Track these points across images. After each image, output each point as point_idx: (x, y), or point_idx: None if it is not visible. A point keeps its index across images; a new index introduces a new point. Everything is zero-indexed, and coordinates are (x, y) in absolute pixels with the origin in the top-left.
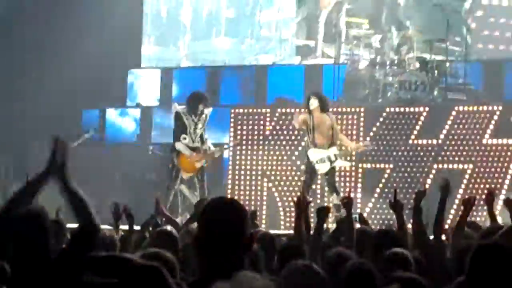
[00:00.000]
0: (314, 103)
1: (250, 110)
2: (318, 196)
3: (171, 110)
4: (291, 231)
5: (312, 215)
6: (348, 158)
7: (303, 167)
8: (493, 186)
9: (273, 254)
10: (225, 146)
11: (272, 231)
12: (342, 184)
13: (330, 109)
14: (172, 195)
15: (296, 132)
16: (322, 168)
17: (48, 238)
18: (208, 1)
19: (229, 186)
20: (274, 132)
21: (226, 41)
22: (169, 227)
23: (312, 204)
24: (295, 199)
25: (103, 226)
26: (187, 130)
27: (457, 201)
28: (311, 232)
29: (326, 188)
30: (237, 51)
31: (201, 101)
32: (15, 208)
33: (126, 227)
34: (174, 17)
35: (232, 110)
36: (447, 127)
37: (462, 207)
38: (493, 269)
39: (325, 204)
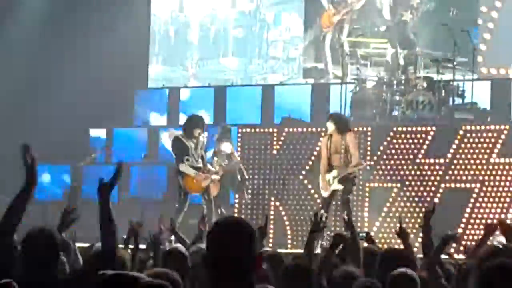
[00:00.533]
0: (330, 126)
1: (257, 130)
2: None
3: (169, 136)
4: (298, 250)
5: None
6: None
7: (310, 186)
8: (500, 205)
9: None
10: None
11: (279, 250)
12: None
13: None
14: (181, 217)
15: (303, 152)
16: (323, 193)
17: (58, 257)
18: (216, 21)
19: (236, 206)
20: (282, 152)
21: (233, 60)
22: (179, 246)
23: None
24: (311, 215)
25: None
26: (189, 151)
27: (464, 220)
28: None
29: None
30: (245, 70)
31: (196, 126)
32: (10, 224)
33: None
34: (182, 36)
35: (239, 130)
36: (454, 146)
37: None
38: None
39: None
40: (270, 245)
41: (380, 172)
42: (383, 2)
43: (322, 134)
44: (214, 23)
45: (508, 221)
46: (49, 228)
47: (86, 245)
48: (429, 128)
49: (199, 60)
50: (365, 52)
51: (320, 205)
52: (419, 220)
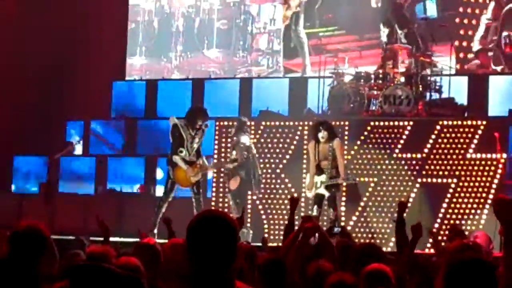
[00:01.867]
0: (324, 135)
1: (235, 123)
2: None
3: (170, 122)
4: (275, 244)
5: None
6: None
7: (287, 180)
8: (476, 200)
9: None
10: (215, 162)
11: (256, 244)
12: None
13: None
14: (164, 207)
15: (280, 145)
16: (308, 194)
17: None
18: (200, 12)
19: (214, 199)
20: (259, 145)
21: (218, 52)
22: (152, 241)
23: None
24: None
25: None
26: (184, 143)
27: (441, 215)
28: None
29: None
30: (229, 62)
31: (200, 116)
32: None
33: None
34: (166, 28)
35: (217, 123)
36: (431, 141)
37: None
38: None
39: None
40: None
41: (357, 166)
42: None
43: (300, 128)
44: (198, 14)
45: (484, 216)
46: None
47: (63, 237)
48: (406, 123)
49: (182, 51)
50: (342, 46)
51: (314, 203)
52: (395, 215)
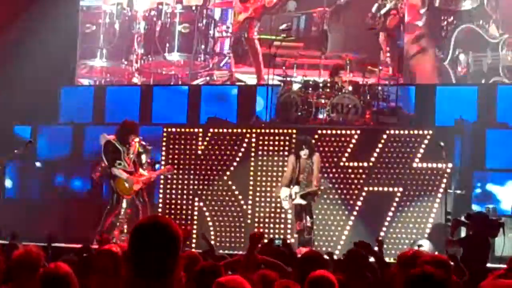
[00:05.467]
0: (306, 153)
1: (183, 130)
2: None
3: (100, 140)
4: (221, 251)
5: None
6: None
7: (234, 187)
8: (422, 209)
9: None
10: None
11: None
12: (273, 205)
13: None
14: (111, 218)
15: (228, 152)
16: (285, 205)
17: None
18: (162, 15)
19: (160, 205)
20: (206, 152)
21: (179, 56)
22: (114, 248)
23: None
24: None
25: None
26: (121, 156)
27: (386, 223)
28: None
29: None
30: (190, 66)
31: (131, 132)
32: None
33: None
34: (127, 31)
35: (165, 129)
36: (378, 150)
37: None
38: None
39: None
40: (193, 245)
41: None
42: None
43: (248, 135)
44: (159, 17)
45: (429, 225)
46: None
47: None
48: (353, 132)
49: (143, 55)
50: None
51: (294, 214)
52: (341, 223)
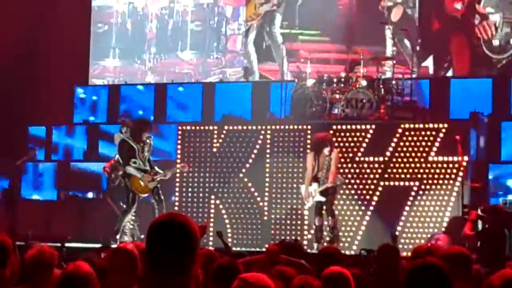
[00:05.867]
0: (329, 150)
1: (197, 128)
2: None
3: (115, 139)
4: (238, 248)
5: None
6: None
7: (250, 184)
8: (438, 203)
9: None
10: (173, 169)
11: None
12: (289, 201)
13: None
14: (127, 218)
15: (243, 149)
16: (306, 204)
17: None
18: (174, 14)
19: (177, 203)
20: (221, 149)
21: (191, 54)
22: (129, 246)
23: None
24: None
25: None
26: (136, 154)
27: (403, 218)
28: None
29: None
30: (203, 64)
31: (145, 130)
32: None
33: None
34: (140, 30)
35: (179, 127)
36: (393, 144)
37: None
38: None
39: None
40: (211, 242)
41: None
42: None
43: (263, 132)
44: (171, 16)
45: (446, 219)
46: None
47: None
48: (368, 126)
49: (156, 53)
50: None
51: (315, 214)
52: (358, 219)
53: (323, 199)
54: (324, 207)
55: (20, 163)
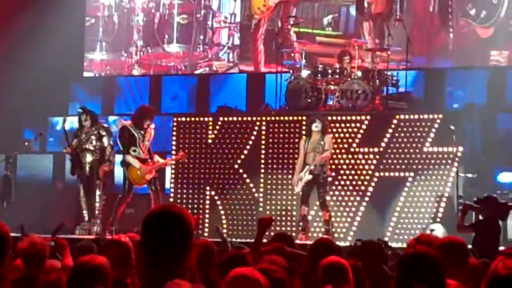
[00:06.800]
0: (317, 127)
1: (193, 119)
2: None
3: (116, 126)
4: (234, 239)
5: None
6: (314, 171)
7: (245, 175)
8: (433, 194)
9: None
10: (169, 159)
11: (214, 240)
12: (285, 192)
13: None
14: (123, 206)
15: (238, 141)
16: (297, 189)
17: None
18: (160, 7)
19: (172, 195)
20: (217, 141)
21: (178, 47)
22: (123, 238)
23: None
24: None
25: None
26: (136, 142)
27: (398, 209)
28: None
29: (317, 202)
30: (190, 57)
31: (147, 117)
32: None
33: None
34: (126, 23)
35: (175, 119)
36: (388, 135)
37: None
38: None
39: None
40: (206, 234)
41: None
42: None
43: (258, 123)
44: (158, 9)
45: (441, 210)
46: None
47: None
48: (363, 117)
49: (143, 46)
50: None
51: (300, 201)
52: (353, 209)
53: (310, 176)
54: (319, 201)
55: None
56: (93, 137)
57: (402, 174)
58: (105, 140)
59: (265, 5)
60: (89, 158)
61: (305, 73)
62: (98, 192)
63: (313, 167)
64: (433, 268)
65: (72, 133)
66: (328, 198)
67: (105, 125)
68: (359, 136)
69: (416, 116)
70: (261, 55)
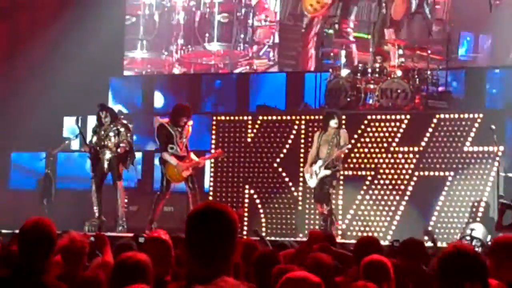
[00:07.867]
0: (333, 123)
1: (232, 118)
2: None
3: (153, 124)
4: (273, 238)
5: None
6: (329, 165)
7: (284, 174)
8: (473, 193)
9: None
10: (206, 157)
11: (253, 238)
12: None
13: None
14: (162, 204)
15: (278, 140)
16: (311, 183)
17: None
18: (201, 5)
19: (211, 193)
20: (256, 139)
21: (218, 46)
22: (163, 235)
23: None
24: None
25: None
26: (173, 140)
27: (438, 208)
28: None
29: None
30: (230, 56)
31: (184, 114)
32: None
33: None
34: (167, 21)
35: (214, 118)
36: (428, 134)
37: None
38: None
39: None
40: (245, 232)
41: (354, 160)
42: None
43: (297, 122)
44: (198, 8)
45: (481, 209)
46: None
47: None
48: (403, 117)
49: (183, 45)
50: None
51: (314, 198)
52: (393, 209)
53: (328, 172)
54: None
55: (56, 152)
56: (111, 134)
57: (442, 173)
58: (122, 134)
59: (319, 2)
60: (108, 155)
61: (344, 72)
62: (118, 193)
63: (330, 162)
64: (481, 265)
65: (92, 128)
66: (333, 191)
67: (124, 121)
68: (398, 135)
69: (456, 116)
70: (311, 62)
